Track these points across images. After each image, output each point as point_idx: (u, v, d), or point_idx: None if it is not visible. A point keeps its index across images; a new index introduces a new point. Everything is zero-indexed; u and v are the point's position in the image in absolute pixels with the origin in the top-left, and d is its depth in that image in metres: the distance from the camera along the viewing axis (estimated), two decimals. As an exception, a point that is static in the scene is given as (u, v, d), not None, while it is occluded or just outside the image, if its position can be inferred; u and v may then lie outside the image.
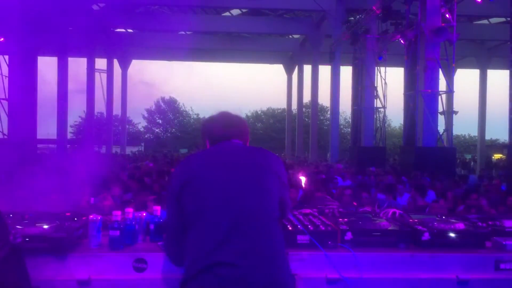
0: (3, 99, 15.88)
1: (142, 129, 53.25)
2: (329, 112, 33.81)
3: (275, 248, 2.10)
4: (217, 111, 2.50)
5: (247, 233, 2.06)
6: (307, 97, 29.80)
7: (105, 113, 29.92)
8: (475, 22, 24.58)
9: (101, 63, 26.49)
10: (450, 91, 15.39)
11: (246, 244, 2.03)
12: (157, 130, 53.48)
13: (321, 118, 42.28)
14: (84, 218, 3.47)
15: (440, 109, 14.73)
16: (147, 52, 30.58)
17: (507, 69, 14.22)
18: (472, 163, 30.33)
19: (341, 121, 39.02)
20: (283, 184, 2.30)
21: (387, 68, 19.04)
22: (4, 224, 2.66)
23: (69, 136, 31.61)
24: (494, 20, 23.78)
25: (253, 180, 2.18)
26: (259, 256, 2.03)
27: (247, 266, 1.99)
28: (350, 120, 29.06)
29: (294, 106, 31.44)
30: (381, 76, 18.88)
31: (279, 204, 2.26)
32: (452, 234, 3.22)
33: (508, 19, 15.62)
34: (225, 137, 2.39)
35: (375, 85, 18.88)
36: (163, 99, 53.20)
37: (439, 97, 14.49)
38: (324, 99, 36.53)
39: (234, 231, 2.05)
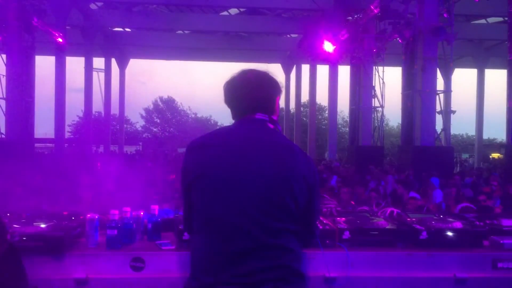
0: (0, 98, 15.84)
1: (140, 129, 53.25)
2: (327, 112, 33.80)
3: (286, 270, 1.84)
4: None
5: (257, 253, 1.81)
6: (305, 97, 29.86)
7: (103, 113, 29.88)
8: (472, 22, 24.58)
9: (99, 62, 26.47)
10: (448, 90, 15.44)
11: (255, 264, 1.80)
12: (155, 129, 53.44)
13: (319, 117, 42.26)
14: (81, 217, 3.47)
15: (438, 108, 14.75)
16: (145, 51, 30.52)
17: (504, 68, 14.28)
18: (471, 162, 30.34)
19: (339, 120, 39.02)
20: (311, 191, 1.94)
21: (385, 68, 19.02)
22: (2, 223, 2.65)
23: (67, 135, 31.55)
24: (491, 19, 23.78)
25: (272, 188, 1.85)
26: (269, 275, 1.81)
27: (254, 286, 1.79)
28: (348, 119, 29.06)
29: (292, 105, 31.45)
30: (379, 75, 18.86)
31: (303, 215, 1.93)
32: (449, 233, 3.22)
33: (506, 18, 15.62)
34: (246, 108, 2.00)
35: (373, 85, 18.88)
36: (161, 98, 53.24)
37: (437, 96, 14.50)
38: (322, 98, 36.41)
39: (245, 249, 1.81)
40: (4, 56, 15.72)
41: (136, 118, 52.24)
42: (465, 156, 36.56)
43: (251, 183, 1.85)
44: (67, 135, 30.24)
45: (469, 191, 10.11)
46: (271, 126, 2.02)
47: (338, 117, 29.85)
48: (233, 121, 2.09)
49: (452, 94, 16.40)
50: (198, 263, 1.89)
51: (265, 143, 1.94)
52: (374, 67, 18.84)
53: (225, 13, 24.99)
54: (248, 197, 1.84)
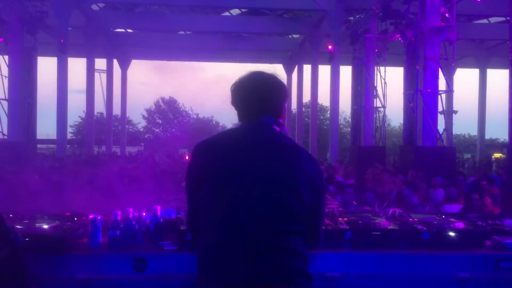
0: (2, 99, 15.87)
1: (141, 129, 53.30)
2: (328, 112, 33.80)
3: (292, 271, 1.82)
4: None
5: (264, 254, 1.79)
6: (306, 97, 29.77)
7: (105, 113, 29.91)
8: (474, 22, 24.54)
9: (100, 63, 26.50)
10: (449, 90, 15.37)
11: (262, 265, 1.78)
12: (156, 130, 53.48)
13: (321, 117, 42.22)
14: (84, 218, 3.47)
15: (440, 108, 14.71)
16: (146, 52, 30.52)
17: (506, 68, 14.22)
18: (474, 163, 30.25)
19: (341, 120, 38.93)
20: (316, 193, 1.94)
21: (387, 68, 18.99)
22: (4, 224, 2.66)
23: (69, 136, 31.58)
24: (493, 19, 23.75)
25: (278, 190, 1.85)
26: (275, 276, 1.78)
27: None
28: (349, 119, 29.04)
29: (294, 105, 31.43)
30: (380, 75, 18.83)
31: (308, 217, 1.92)
32: (452, 233, 3.22)
33: (508, 18, 15.59)
34: (253, 111, 2.00)
35: (375, 85, 18.86)
36: (162, 99, 53.24)
37: (439, 96, 14.47)
38: (324, 98, 36.54)
39: (251, 250, 1.79)
40: (6, 57, 15.76)
41: (138, 118, 52.38)
42: (467, 156, 36.52)
43: (258, 185, 1.86)
44: (69, 136, 30.29)
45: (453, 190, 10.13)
46: (277, 128, 2.02)
47: (340, 117, 29.79)
48: (238, 123, 2.09)
49: (454, 94, 16.32)
50: (204, 265, 1.88)
51: (271, 145, 1.95)
52: (375, 67, 18.83)
53: (226, 13, 25.00)
54: (255, 199, 1.84)
